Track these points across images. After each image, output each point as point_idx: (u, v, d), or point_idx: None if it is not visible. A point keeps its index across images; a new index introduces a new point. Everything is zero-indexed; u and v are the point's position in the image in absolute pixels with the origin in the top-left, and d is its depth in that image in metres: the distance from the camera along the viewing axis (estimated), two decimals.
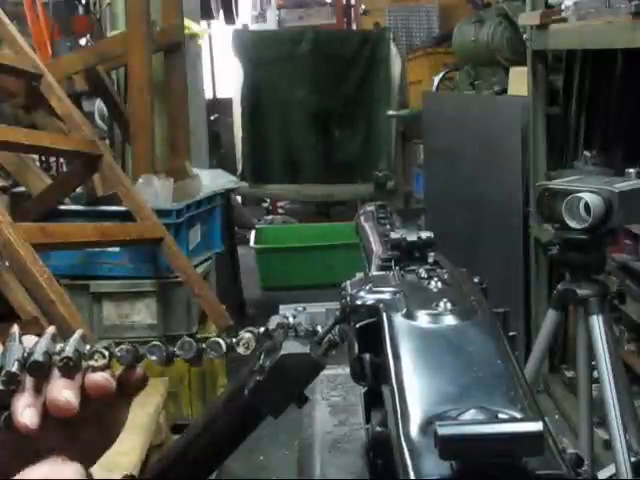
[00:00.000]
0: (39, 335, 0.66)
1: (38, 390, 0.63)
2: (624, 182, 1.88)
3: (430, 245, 0.79)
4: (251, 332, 0.67)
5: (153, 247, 3.12)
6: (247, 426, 0.70)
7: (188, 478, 0.72)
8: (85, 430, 0.67)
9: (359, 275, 0.77)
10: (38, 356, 0.63)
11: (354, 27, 8.36)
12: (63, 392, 0.62)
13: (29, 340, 0.66)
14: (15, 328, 0.66)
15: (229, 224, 4.60)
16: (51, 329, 0.67)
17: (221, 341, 0.67)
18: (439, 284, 0.68)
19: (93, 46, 5.08)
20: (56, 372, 0.63)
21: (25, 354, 0.64)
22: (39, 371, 0.63)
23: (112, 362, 0.65)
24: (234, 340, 0.67)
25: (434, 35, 7.11)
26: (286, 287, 5.29)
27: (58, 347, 0.65)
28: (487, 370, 0.55)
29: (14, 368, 0.62)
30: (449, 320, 0.60)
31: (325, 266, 5.27)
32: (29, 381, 0.63)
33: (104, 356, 0.64)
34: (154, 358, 0.66)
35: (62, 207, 3.25)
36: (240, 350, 0.66)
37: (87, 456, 0.68)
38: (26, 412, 0.61)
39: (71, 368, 0.63)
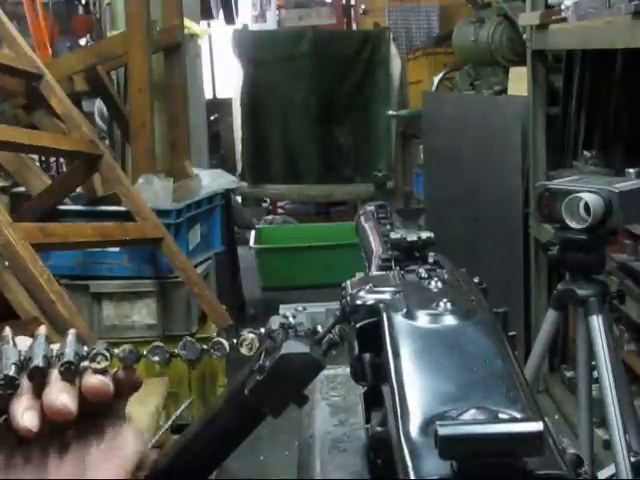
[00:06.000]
0: (32, 336, 0.66)
1: (36, 393, 0.63)
2: (624, 182, 1.88)
3: (430, 245, 0.79)
4: (254, 332, 0.67)
5: (153, 247, 3.12)
6: (247, 426, 0.70)
7: (188, 478, 0.72)
8: (85, 427, 0.67)
9: (359, 275, 0.77)
10: (39, 361, 0.63)
11: (354, 27, 8.37)
12: (61, 396, 0.62)
13: (23, 342, 0.65)
14: (7, 330, 0.66)
15: (229, 224, 4.60)
16: (42, 329, 0.67)
17: (224, 341, 0.67)
18: (439, 284, 0.68)
19: (93, 46, 5.10)
20: (54, 375, 0.63)
21: (22, 357, 0.63)
22: (39, 376, 0.63)
23: (112, 363, 0.65)
24: (236, 341, 0.67)
25: (434, 35, 7.12)
26: (286, 287, 5.29)
27: (55, 350, 0.64)
28: (487, 370, 0.55)
29: (12, 372, 0.62)
30: (449, 320, 0.60)
31: (325, 266, 5.27)
32: (26, 384, 0.63)
33: (106, 358, 0.64)
34: (156, 359, 0.66)
35: (62, 207, 3.25)
36: (243, 350, 0.66)
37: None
38: (26, 415, 0.61)
39: (72, 372, 0.63)
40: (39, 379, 0.63)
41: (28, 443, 0.64)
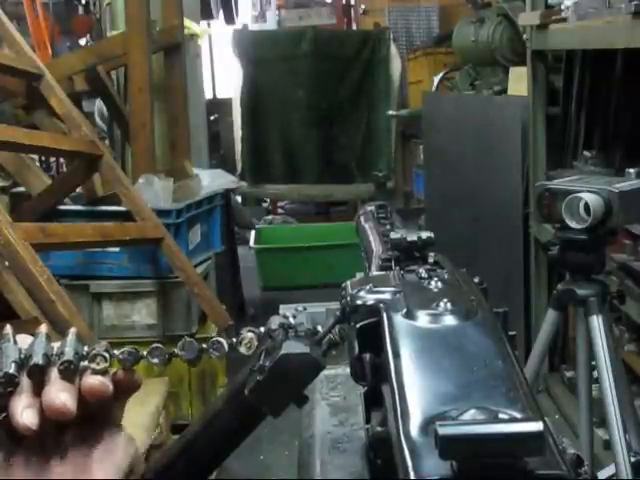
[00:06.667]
0: (33, 335, 0.66)
1: (35, 391, 0.63)
2: (624, 182, 1.87)
3: (430, 245, 0.79)
4: (253, 332, 0.67)
5: (153, 247, 3.13)
6: (247, 426, 0.70)
7: (188, 478, 0.72)
8: (82, 430, 0.67)
9: (359, 275, 0.77)
10: (38, 359, 0.63)
11: (354, 27, 8.37)
12: (60, 395, 0.62)
13: (23, 339, 0.65)
14: (8, 329, 0.66)
15: (229, 224, 4.60)
16: (43, 328, 0.66)
17: (223, 340, 0.67)
18: (439, 284, 0.68)
19: (93, 46, 5.10)
20: (54, 373, 0.63)
21: (22, 355, 0.63)
22: (39, 374, 0.63)
23: (112, 364, 0.65)
24: (235, 340, 0.67)
25: (434, 35, 7.11)
26: (286, 287, 5.29)
27: (56, 348, 0.64)
28: (487, 370, 0.55)
29: (11, 369, 0.62)
30: (449, 320, 0.60)
31: (325, 266, 5.27)
32: (26, 382, 0.63)
33: (105, 359, 0.64)
34: (155, 361, 0.66)
35: (62, 207, 3.25)
36: (242, 350, 0.66)
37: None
38: (26, 413, 0.61)
39: (71, 371, 0.63)
40: (38, 377, 0.63)
41: (26, 442, 0.64)
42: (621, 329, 2.87)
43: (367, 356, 0.64)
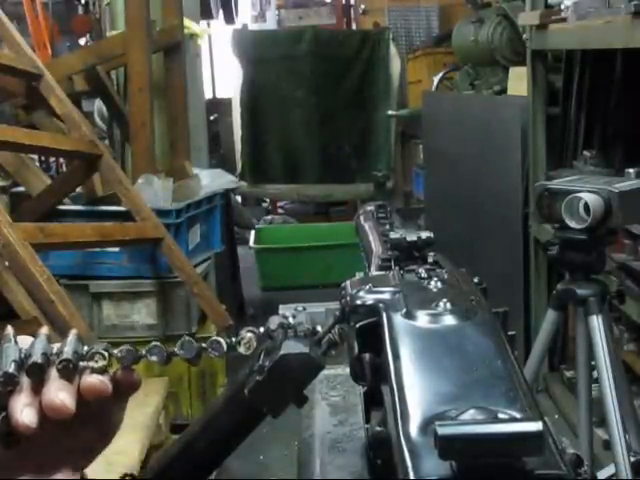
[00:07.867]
0: (33, 335, 0.66)
1: (35, 390, 0.63)
2: (624, 182, 1.88)
3: (430, 245, 0.79)
4: (252, 332, 0.67)
5: (153, 247, 3.12)
6: (247, 426, 0.70)
7: (188, 478, 0.72)
8: (82, 429, 0.67)
9: (359, 275, 0.77)
10: (37, 358, 0.63)
11: (354, 27, 8.36)
12: (59, 394, 0.62)
13: (24, 340, 0.66)
14: (9, 329, 0.66)
15: (229, 224, 4.60)
16: (44, 329, 0.67)
17: (222, 340, 0.67)
18: (439, 284, 0.68)
19: (93, 46, 5.09)
20: (53, 373, 0.63)
21: (22, 355, 0.63)
22: (38, 373, 0.63)
23: (111, 363, 0.65)
24: (234, 340, 0.67)
25: (434, 35, 7.11)
26: (286, 287, 5.29)
27: (55, 348, 0.64)
28: (487, 370, 0.55)
29: (11, 369, 0.62)
30: (449, 320, 0.60)
31: (325, 266, 5.27)
32: (26, 382, 0.63)
33: (104, 357, 0.64)
34: (154, 359, 0.66)
35: (62, 207, 3.25)
36: (241, 350, 0.66)
37: (85, 455, 0.68)
38: (25, 411, 0.61)
39: (70, 370, 0.63)
40: (38, 376, 0.63)
41: (25, 441, 0.64)
42: (621, 329, 2.87)
43: (367, 356, 0.64)
